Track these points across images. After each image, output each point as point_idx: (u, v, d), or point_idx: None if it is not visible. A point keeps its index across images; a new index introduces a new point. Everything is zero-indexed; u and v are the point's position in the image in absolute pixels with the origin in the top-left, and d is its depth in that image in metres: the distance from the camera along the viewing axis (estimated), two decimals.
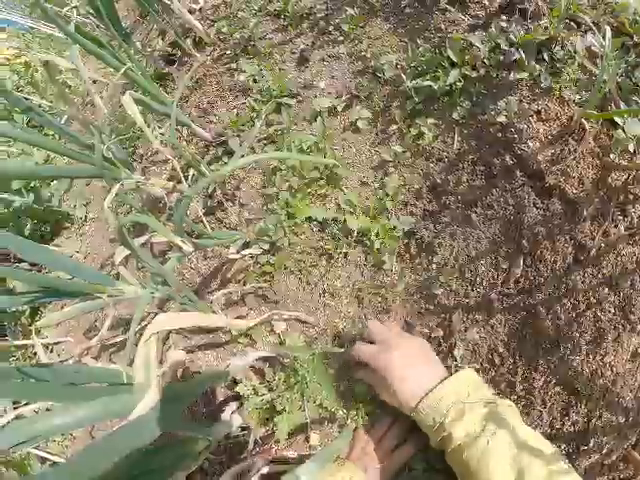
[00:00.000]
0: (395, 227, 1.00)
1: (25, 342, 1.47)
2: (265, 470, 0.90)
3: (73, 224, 1.68)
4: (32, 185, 1.63)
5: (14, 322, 1.65)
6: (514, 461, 0.65)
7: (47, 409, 1.10)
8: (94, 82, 1.97)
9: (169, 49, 1.55)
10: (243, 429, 0.97)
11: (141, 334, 0.72)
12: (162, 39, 1.60)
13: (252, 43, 1.33)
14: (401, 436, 0.87)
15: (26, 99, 0.97)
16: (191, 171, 1.19)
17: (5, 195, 1.53)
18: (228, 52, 1.37)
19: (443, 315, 0.95)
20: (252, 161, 0.69)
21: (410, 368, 0.80)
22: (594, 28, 0.93)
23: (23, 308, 1.63)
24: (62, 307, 1.49)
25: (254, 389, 0.97)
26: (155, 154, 1.42)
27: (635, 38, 0.94)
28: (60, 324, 1.53)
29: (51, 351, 1.48)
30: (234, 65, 1.33)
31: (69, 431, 0.68)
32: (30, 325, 1.61)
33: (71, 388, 0.73)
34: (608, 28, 0.87)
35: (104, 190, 1.66)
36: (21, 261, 1.56)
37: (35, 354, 1.53)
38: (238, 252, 1.03)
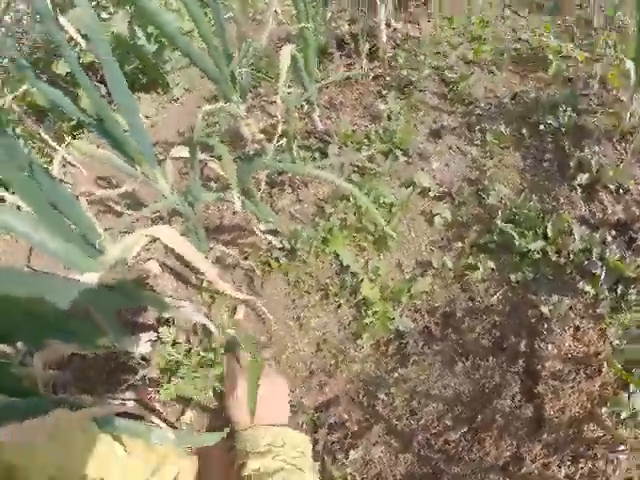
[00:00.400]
0: (394, 319, 1.02)
1: (53, 144, 1.53)
2: (130, 403, 0.93)
3: (164, 95, 1.76)
4: (161, 40, 1.70)
5: (54, 120, 1.72)
6: None
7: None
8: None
9: (347, 36, 1.61)
10: (143, 359, 1.00)
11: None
12: (349, 25, 1.67)
13: (411, 88, 1.39)
14: None
15: None
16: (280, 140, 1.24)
17: (138, 29, 1.60)
18: (388, 79, 1.43)
19: (368, 417, 0.96)
20: (335, 182, 0.73)
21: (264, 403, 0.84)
22: None
23: (70, 120, 1.70)
24: (98, 146, 1.57)
25: (174, 341, 1.00)
26: (269, 103, 1.48)
27: None
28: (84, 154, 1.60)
29: (64, 166, 1.54)
30: (384, 92, 1.39)
31: (16, 236, 0.69)
32: (64, 135, 1.67)
33: (51, 211, 0.74)
34: None
35: (209, 90, 1.74)
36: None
37: (50, 161, 1.60)
38: (263, 232, 1.06)
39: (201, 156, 1.15)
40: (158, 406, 1.01)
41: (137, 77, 1.75)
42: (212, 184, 1.33)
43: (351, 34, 1.60)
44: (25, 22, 1.90)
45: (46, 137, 1.49)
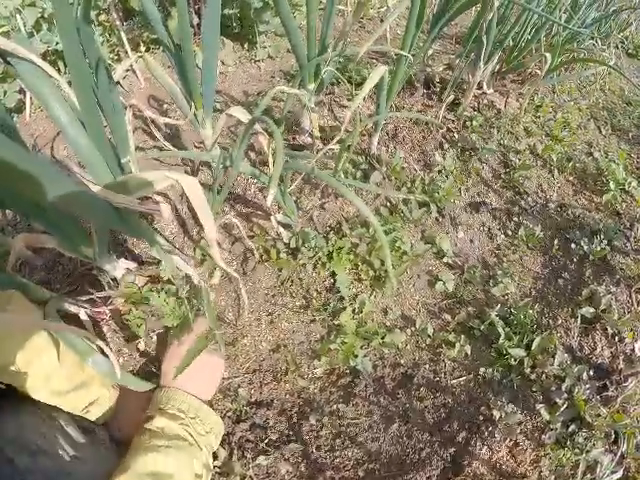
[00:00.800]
0: (356, 356, 1.04)
1: (127, 47, 1.54)
2: (82, 315, 0.96)
3: (248, 51, 1.79)
4: (268, 1, 1.72)
5: (139, 25, 1.74)
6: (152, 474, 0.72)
7: None
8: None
9: (437, 78, 1.64)
10: (114, 281, 1.03)
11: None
12: (443, 69, 1.69)
13: (472, 153, 1.41)
14: None
15: None
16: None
17: None
18: (456, 135, 1.46)
19: (291, 433, 0.98)
20: (364, 213, 0.75)
21: (192, 372, 0.88)
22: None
23: (153, 33, 1.72)
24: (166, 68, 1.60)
25: (157, 276, 1.03)
26: (337, 105, 1.51)
27: None
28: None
29: (126, 71, 1.59)
30: (446, 146, 1.42)
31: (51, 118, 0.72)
32: (141, 44, 1.70)
33: (95, 109, 0.74)
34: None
35: (288, 67, 1.78)
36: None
37: (117, 60, 1.62)
38: (278, 223, 1.09)
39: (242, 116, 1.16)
40: (106, 330, 1.04)
41: (231, 23, 1.78)
42: (252, 155, 1.36)
43: (441, 79, 1.63)
44: None
45: (124, 37, 1.52)
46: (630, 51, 2.49)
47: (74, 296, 0.98)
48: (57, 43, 1.43)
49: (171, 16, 1.61)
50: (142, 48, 1.71)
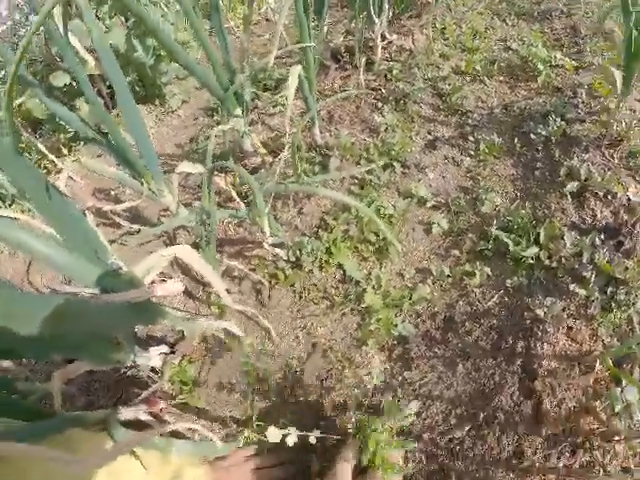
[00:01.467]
0: (396, 325, 1.11)
1: (51, 156, 1.59)
2: (143, 416, 1.00)
3: (161, 107, 1.85)
4: (159, 53, 1.78)
5: (52, 131, 1.79)
6: None
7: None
8: (267, 20, 2.18)
9: (342, 49, 1.71)
10: (153, 371, 1.07)
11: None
12: (343, 37, 1.77)
13: (405, 100, 1.49)
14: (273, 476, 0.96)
15: None
16: (282, 154, 1.34)
17: (136, 42, 1.69)
18: (383, 91, 1.53)
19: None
20: (337, 198, 0.81)
21: None
22: None
23: (67, 132, 1.77)
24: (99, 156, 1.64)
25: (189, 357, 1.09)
26: (268, 115, 1.57)
27: None
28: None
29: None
30: (380, 105, 1.49)
31: (28, 253, 0.74)
32: (62, 147, 1.75)
33: (71, 229, 0.79)
34: None
35: (205, 102, 1.85)
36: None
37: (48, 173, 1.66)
38: (270, 245, 1.15)
39: (201, 169, 1.22)
40: (168, 417, 1.09)
41: (134, 89, 1.83)
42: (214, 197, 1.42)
43: (346, 47, 1.70)
44: (23, 33, 1.99)
45: (43, 149, 1.57)
46: None
47: (123, 404, 1.03)
48: None
49: (77, 108, 1.67)
50: (65, 151, 1.75)
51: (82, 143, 1.77)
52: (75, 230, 0.85)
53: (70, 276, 0.83)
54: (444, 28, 1.83)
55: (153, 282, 0.97)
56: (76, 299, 0.67)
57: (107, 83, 1.69)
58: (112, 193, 1.58)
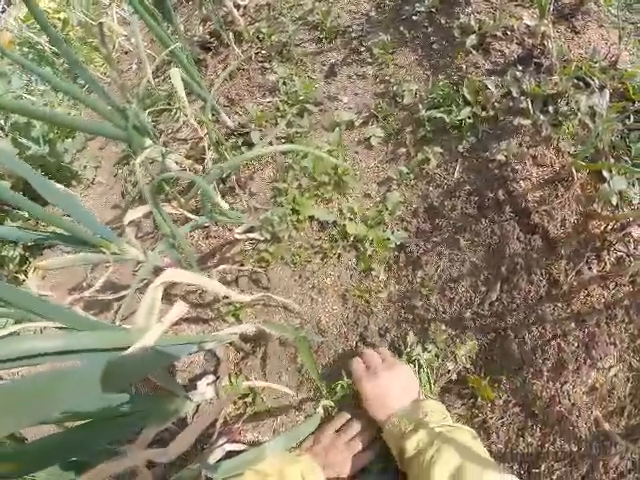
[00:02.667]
0: (389, 239, 1.16)
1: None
2: (228, 447, 1.03)
3: (80, 184, 1.84)
4: (49, 138, 1.78)
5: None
6: (452, 476, 0.76)
7: None
8: (126, 53, 2.17)
9: (207, 37, 1.73)
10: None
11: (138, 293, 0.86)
12: (203, 26, 1.78)
13: (287, 48, 1.52)
14: (364, 440, 0.99)
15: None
16: (208, 154, 1.35)
17: (23, 140, 1.68)
18: (264, 52, 1.56)
19: (418, 325, 1.10)
20: (276, 150, 0.84)
21: (388, 397, 0.95)
22: (599, 90, 1.11)
23: (14, 254, 1.76)
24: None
25: (235, 365, 1.12)
26: (175, 132, 1.59)
27: (636, 104, 1.10)
28: (44, 278, 1.67)
29: None
30: (267, 65, 1.52)
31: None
32: (17, 272, 1.74)
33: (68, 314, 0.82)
34: (607, 91, 1.07)
35: (115, 155, 1.83)
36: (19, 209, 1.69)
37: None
38: (244, 233, 1.18)
39: (145, 209, 1.23)
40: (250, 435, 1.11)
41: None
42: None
43: (210, 33, 1.72)
44: None
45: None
46: None
47: (201, 448, 1.06)
48: None
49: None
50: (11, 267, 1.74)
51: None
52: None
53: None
54: None
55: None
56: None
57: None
58: (84, 284, 1.57)
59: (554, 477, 0.90)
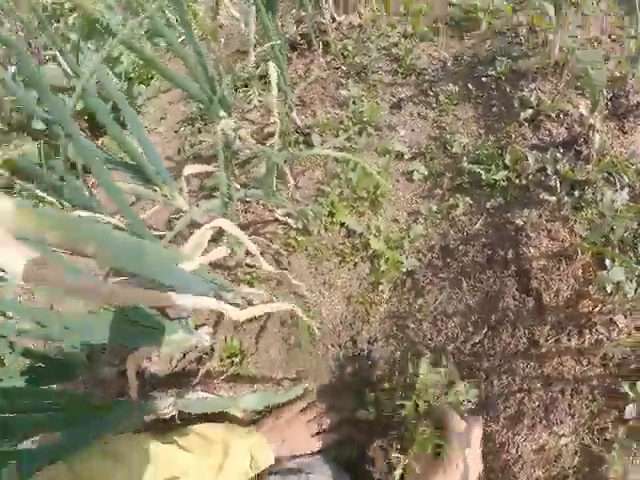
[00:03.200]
0: (402, 262, 1.31)
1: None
2: (202, 394, 1.16)
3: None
4: (130, 77, 1.97)
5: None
6: None
7: None
8: (220, 27, 2.35)
9: (298, 38, 1.90)
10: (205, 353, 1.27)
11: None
12: (296, 27, 1.96)
13: (365, 71, 1.69)
14: (325, 423, 1.11)
15: None
16: (275, 139, 1.52)
17: (108, 70, 1.86)
18: (344, 68, 1.73)
19: (404, 344, 1.24)
20: (336, 155, 0.98)
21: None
22: (621, 188, 1.25)
23: None
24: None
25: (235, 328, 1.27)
26: (245, 112, 1.76)
27: None
28: None
29: None
30: (343, 81, 1.69)
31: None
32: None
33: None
34: (626, 191, 1.22)
35: (182, 114, 2.01)
36: None
37: None
38: (284, 216, 1.34)
39: (207, 168, 1.38)
40: (223, 392, 1.26)
41: (117, 117, 1.99)
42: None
43: (301, 35, 1.90)
44: None
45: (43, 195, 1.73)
46: None
47: (184, 388, 1.20)
48: None
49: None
50: None
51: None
52: None
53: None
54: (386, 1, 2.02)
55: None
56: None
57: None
58: None
59: None
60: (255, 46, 1.55)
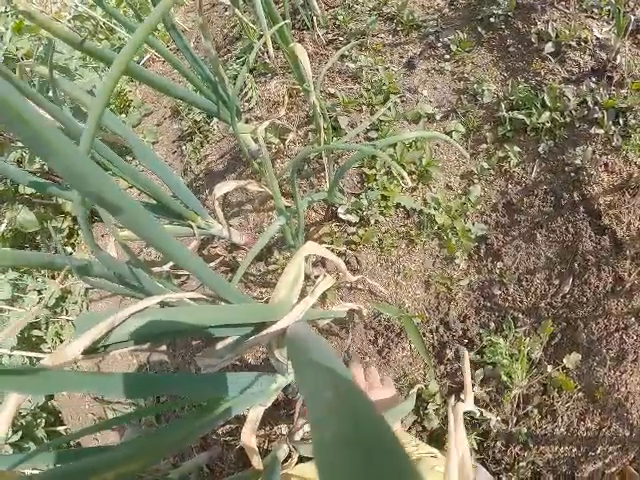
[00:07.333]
0: (470, 230, 1.31)
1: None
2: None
3: (135, 159, 1.91)
4: (111, 107, 1.85)
5: (47, 237, 1.86)
6: None
7: None
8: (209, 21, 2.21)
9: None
10: None
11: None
12: (277, 6, 1.86)
13: (365, 37, 1.63)
14: None
15: None
16: (290, 135, 1.47)
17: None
18: (341, 39, 1.66)
19: (496, 313, 1.26)
20: (378, 154, 0.96)
21: None
22: None
23: (62, 226, 1.85)
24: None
25: None
26: (248, 110, 1.68)
27: None
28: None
29: None
30: (346, 52, 1.62)
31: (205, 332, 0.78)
32: (65, 245, 1.83)
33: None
34: None
35: (174, 133, 1.91)
36: None
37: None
38: (344, 213, 1.31)
39: (236, 185, 1.33)
40: None
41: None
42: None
43: (281, 14, 1.80)
44: None
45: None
46: None
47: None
48: None
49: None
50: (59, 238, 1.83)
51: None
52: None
53: None
54: None
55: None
56: None
57: None
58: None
59: (606, 460, 1.07)
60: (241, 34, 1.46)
